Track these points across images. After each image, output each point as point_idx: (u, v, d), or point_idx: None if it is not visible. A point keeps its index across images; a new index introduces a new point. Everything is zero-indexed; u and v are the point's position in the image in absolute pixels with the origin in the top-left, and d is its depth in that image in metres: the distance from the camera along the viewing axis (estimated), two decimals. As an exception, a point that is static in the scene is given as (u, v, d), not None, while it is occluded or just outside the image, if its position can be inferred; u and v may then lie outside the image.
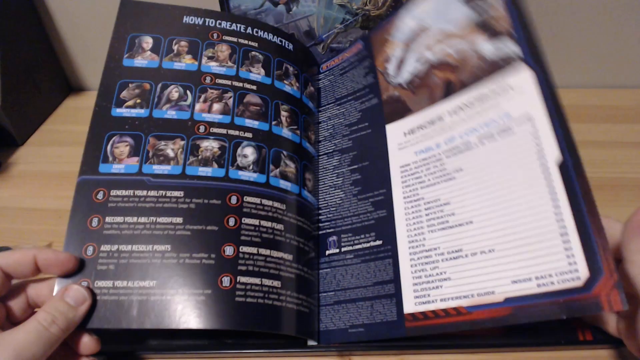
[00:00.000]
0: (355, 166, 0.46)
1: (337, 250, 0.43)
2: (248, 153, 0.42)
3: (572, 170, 0.35)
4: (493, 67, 0.41)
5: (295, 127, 0.47)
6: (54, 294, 0.34)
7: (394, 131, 0.46)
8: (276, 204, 0.41)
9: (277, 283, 0.38)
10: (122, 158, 0.40)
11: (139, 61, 0.44)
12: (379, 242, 0.41)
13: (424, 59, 0.46)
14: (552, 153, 0.36)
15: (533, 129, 0.37)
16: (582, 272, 0.32)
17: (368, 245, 0.42)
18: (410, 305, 0.38)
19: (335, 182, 0.47)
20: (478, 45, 0.43)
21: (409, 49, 0.48)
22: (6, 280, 0.34)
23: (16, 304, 0.34)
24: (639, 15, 0.61)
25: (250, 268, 0.37)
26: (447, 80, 0.44)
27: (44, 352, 0.30)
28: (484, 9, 0.44)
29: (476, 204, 0.38)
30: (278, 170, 0.43)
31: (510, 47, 0.41)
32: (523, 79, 0.39)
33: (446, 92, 0.44)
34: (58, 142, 0.63)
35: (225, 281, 0.36)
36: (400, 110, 0.46)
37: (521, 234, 0.35)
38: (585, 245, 0.32)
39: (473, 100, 0.41)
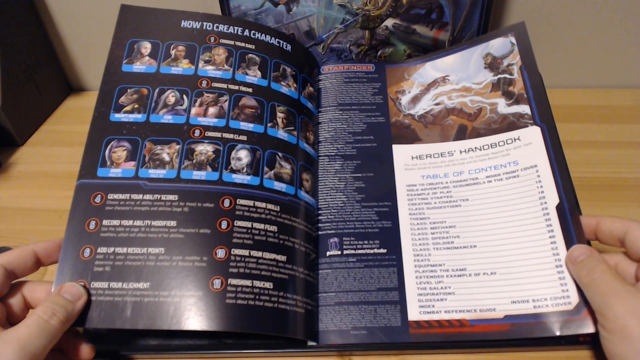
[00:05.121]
0: (359, 174, 0.48)
1: (339, 252, 0.44)
2: (242, 156, 0.43)
3: (567, 213, 0.40)
4: (506, 122, 0.46)
5: (292, 128, 0.47)
6: (52, 291, 0.35)
7: (402, 152, 0.49)
8: (270, 206, 0.42)
9: (268, 285, 0.38)
10: (119, 162, 0.41)
11: (138, 66, 0.45)
12: (383, 250, 0.43)
13: (441, 103, 0.51)
14: (552, 197, 0.41)
15: (537, 176, 0.42)
16: (573, 298, 0.37)
17: (372, 251, 0.43)
18: (414, 314, 0.40)
19: (337, 186, 0.47)
20: (493, 102, 0.48)
21: (428, 92, 0.52)
22: (8, 279, 0.35)
23: (15, 304, 0.35)
24: (639, 15, 0.61)
25: (242, 270, 0.38)
26: (461, 124, 0.49)
27: (46, 344, 0.31)
28: (502, 71, 0.49)
29: (480, 231, 0.42)
30: (273, 172, 0.43)
31: (522, 107, 0.46)
32: (531, 134, 0.44)
33: (459, 134, 0.48)
34: (58, 142, 0.63)
35: (217, 283, 0.37)
36: (410, 136, 0.50)
37: (521, 262, 0.40)
38: None
39: (485, 145, 0.46)
